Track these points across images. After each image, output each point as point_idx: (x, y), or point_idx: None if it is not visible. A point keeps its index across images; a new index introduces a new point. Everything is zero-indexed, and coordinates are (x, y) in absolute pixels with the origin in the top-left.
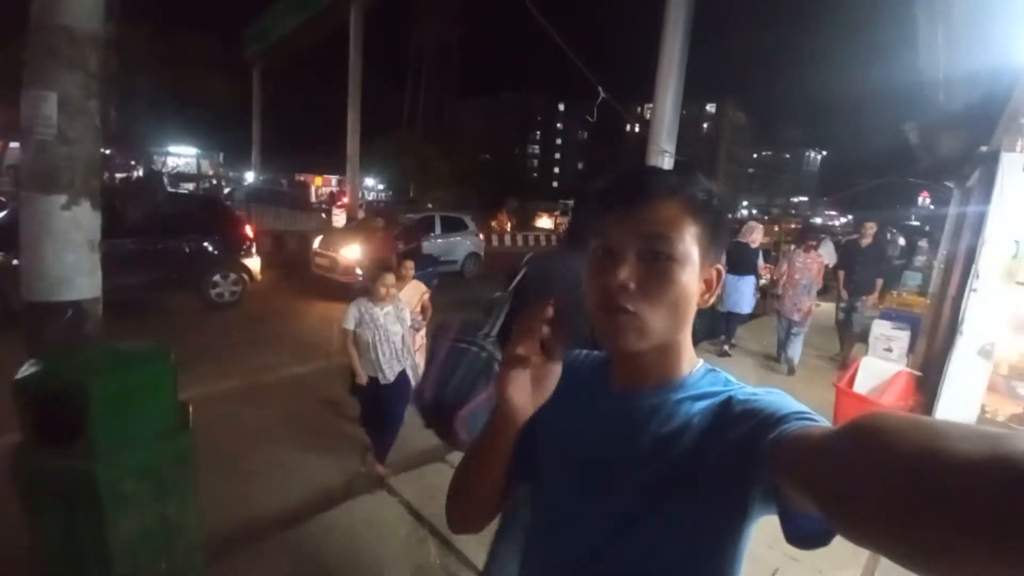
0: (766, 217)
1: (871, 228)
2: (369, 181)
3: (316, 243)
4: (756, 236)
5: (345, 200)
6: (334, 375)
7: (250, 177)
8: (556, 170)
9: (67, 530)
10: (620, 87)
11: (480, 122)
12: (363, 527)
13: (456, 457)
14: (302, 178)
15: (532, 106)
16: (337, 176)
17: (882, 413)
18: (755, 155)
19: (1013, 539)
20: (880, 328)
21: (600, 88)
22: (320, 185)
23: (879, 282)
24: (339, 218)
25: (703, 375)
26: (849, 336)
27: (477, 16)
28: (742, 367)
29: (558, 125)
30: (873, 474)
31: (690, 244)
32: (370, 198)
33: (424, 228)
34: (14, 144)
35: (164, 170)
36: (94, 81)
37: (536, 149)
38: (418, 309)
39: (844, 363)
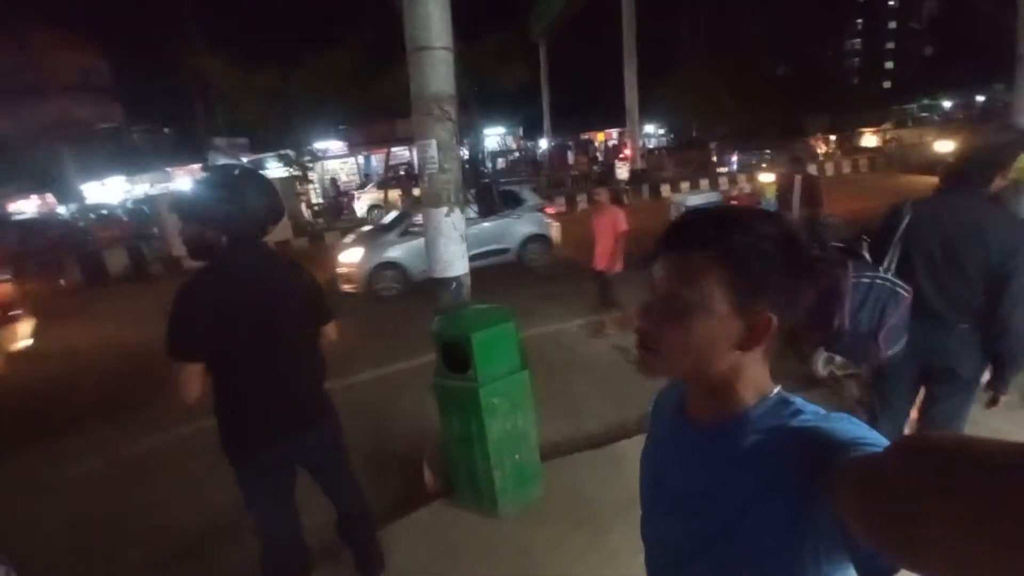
0: None
1: None
2: (649, 128)
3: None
4: None
5: (627, 152)
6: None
7: (544, 144)
8: (889, 65)
9: (464, 428)
10: None
11: (774, 26)
12: None
13: None
14: (586, 136)
15: None
16: (618, 129)
17: (923, 435)
18: None
19: None
20: None
21: None
22: (603, 140)
23: None
24: (622, 171)
25: (771, 406)
26: None
27: None
28: None
29: (889, 2)
30: (910, 497)
31: (713, 293)
32: (651, 146)
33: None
34: (395, 148)
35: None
36: (456, 127)
37: (857, 44)
38: None
39: None
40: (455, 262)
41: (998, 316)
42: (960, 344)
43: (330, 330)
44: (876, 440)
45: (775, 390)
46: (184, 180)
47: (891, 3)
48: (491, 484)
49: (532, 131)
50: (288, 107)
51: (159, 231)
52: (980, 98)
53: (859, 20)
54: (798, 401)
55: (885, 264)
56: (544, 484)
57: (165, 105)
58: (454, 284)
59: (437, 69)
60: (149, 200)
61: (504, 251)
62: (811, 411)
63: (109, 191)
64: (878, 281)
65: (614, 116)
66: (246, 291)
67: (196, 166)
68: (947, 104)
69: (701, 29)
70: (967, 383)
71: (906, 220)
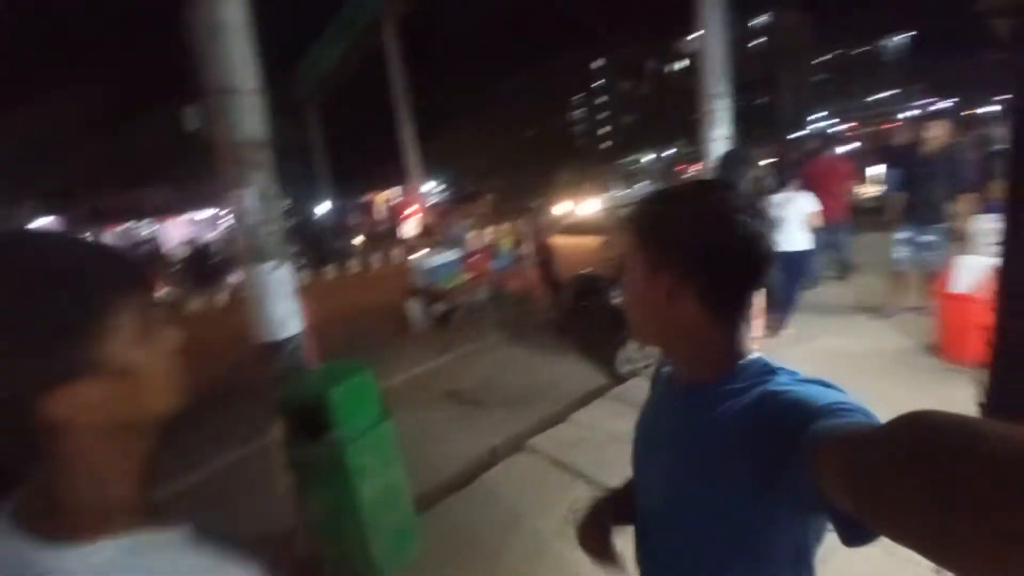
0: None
1: (938, 129)
2: (427, 185)
3: None
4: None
5: (413, 209)
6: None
7: (322, 208)
8: (606, 129)
9: (332, 497)
10: (657, 21)
11: (524, 100)
12: (520, 481)
13: (583, 416)
14: (366, 199)
15: (568, 71)
16: (399, 187)
17: (925, 411)
18: (828, 57)
19: None
20: (984, 223)
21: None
22: (385, 201)
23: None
24: (409, 229)
25: (749, 369)
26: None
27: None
28: None
29: (596, 83)
30: (906, 469)
31: (638, 263)
32: (431, 201)
33: None
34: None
35: None
36: (272, 173)
37: (584, 114)
38: None
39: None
40: (288, 321)
41: None
42: None
43: None
44: (855, 405)
45: (754, 355)
46: None
47: (600, 82)
48: (369, 554)
49: (308, 196)
50: None
51: None
52: (667, 152)
53: (581, 95)
54: (775, 365)
55: None
56: (423, 536)
57: None
58: (290, 345)
59: (247, 114)
60: None
61: None
62: (788, 374)
63: None
64: None
65: (395, 176)
66: None
67: None
68: (647, 159)
69: (468, 96)
70: None
71: None
